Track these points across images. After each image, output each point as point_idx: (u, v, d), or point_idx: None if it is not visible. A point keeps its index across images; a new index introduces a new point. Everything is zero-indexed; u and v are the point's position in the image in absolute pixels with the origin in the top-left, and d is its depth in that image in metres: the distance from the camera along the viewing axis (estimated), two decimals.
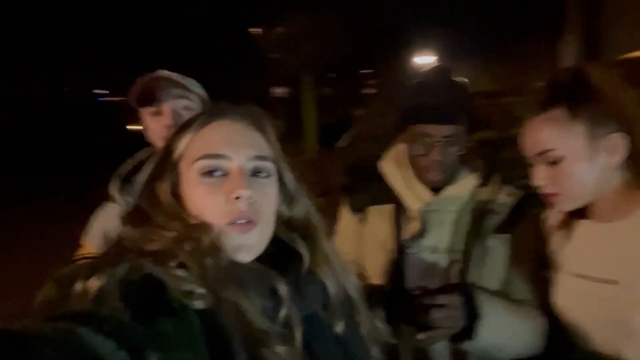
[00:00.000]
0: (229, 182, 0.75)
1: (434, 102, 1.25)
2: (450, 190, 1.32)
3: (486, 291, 1.14)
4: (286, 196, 0.85)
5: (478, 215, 1.29)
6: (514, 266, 1.26)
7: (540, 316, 1.20)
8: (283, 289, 0.75)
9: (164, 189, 0.78)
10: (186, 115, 1.36)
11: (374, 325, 0.89)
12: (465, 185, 1.33)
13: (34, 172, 11.48)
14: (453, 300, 1.01)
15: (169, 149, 0.81)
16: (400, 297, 1.10)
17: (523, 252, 1.26)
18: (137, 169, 1.43)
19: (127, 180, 1.42)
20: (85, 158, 11.88)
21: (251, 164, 0.78)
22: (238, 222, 0.74)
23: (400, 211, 1.35)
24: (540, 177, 1.09)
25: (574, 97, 1.05)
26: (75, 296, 0.62)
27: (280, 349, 0.68)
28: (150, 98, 1.38)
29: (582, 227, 1.17)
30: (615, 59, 9.71)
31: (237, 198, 0.73)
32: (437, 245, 1.30)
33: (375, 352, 0.86)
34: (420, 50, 17.15)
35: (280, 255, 0.81)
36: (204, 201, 0.75)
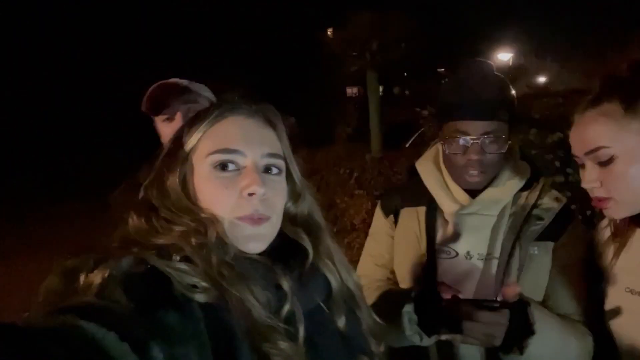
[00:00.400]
0: (242, 178, 0.75)
1: (470, 97, 1.17)
2: (489, 193, 1.22)
3: (539, 305, 1.08)
4: (293, 192, 0.86)
5: (519, 220, 1.19)
6: (559, 277, 1.16)
7: (589, 334, 1.10)
8: (287, 284, 0.75)
9: (173, 182, 0.78)
10: None
11: (374, 320, 0.89)
12: (507, 188, 1.23)
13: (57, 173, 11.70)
14: (496, 316, 0.96)
15: (179, 141, 0.82)
16: (431, 302, 1.06)
17: (570, 262, 1.16)
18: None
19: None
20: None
21: (264, 161, 0.78)
22: (250, 217, 0.75)
23: (434, 214, 1.29)
24: (591, 179, 1.00)
25: (631, 90, 0.96)
26: (79, 288, 0.63)
27: (283, 344, 0.69)
28: (161, 105, 1.41)
29: (637, 237, 1.06)
30: None
31: (251, 195, 0.74)
32: (471, 250, 1.22)
33: (374, 347, 0.86)
34: (499, 46, 16.42)
35: (284, 250, 0.82)
36: (216, 195, 0.75)
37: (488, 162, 1.19)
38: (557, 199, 1.22)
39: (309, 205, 0.88)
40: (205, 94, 1.49)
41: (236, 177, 0.76)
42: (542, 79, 16.77)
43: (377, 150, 8.62)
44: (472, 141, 1.17)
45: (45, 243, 5.92)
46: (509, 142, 1.20)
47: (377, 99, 9.02)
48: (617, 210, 1.01)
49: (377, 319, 0.90)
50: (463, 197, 1.25)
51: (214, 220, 0.73)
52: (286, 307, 0.74)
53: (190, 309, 0.64)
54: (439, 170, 1.31)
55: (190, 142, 0.80)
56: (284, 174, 0.83)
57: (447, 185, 1.28)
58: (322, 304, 0.82)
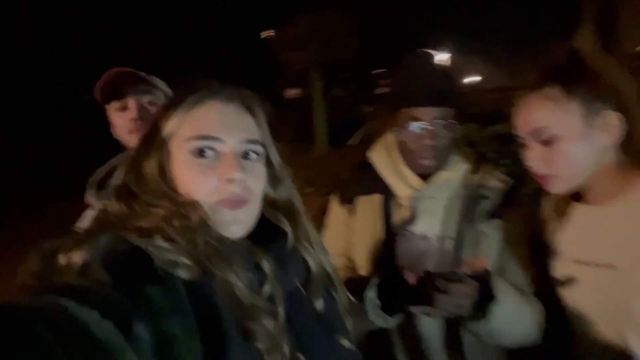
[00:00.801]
0: (221, 165, 0.76)
1: (422, 85, 1.23)
2: (440, 176, 1.29)
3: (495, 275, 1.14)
4: (272, 177, 0.86)
5: (469, 201, 1.26)
6: (507, 252, 1.23)
7: (539, 304, 1.18)
8: (267, 265, 0.77)
9: (150, 167, 0.78)
10: (151, 110, 1.39)
11: (349, 300, 0.91)
12: (456, 171, 1.30)
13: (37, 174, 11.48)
14: (465, 288, 1.01)
15: (156, 126, 0.80)
16: (394, 283, 1.10)
17: (517, 237, 1.24)
18: (110, 174, 1.41)
19: (102, 185, 1.41)
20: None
21: (243, 147, 0.79)
22: (229, 199, 0.76)
23: (389, 200, 1.33)
24: (534, 157, 1.07)
25: (569, 75, 1.03)
26: (60, 269, 0.62)
27: (268, 322, 0.70)
28: (115, 93, 1.39)
29: (577, 211, 1.14)
30: (628, 52, 9.62)
31: (230, 180, 0.75)
32: (428, 232, 1.27)
33: (351, 326, 0.88)
34: (434, 47, 17.04)
35: (263, 234, 0.83)
36: (195, 181, 0.76)
37: (440, 146, 1.24)
38: (502, 180, 1.30)
39: (288, 190, 0.88)
40: (161, 87, 1.47)
41: (215, 164, 0.76)
42: (476, 78, 17.63)
43: (322, 149, 8.70)
44: (425, 127, 1.21)
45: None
46: (459, 126, 1.26)
47: (320, 99, 9.11)
48: (557, 186, 1.08)
49: (352, 299, 0.92)
50: (416, 181, 1.30)
51: (195, 204, 0.74)
52: (266, 288, 0.75)
53: (172, 283, 0.64)
54: (391, 158, 1.36)
55: (167, 127, 0.79)
56: (262, 159, 0.83)
57: (400, 172, 1.32)
58: (300, 287, 0.83)
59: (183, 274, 0.66)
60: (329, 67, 9.10)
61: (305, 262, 0.86)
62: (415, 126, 1.23)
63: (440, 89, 1.23)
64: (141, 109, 1.39)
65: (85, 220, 1.42)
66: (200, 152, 0.76)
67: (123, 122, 1.39)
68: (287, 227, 0.85)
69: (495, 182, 1.29)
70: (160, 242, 0.67)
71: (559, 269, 1.15)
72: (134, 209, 0.74)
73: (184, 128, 0.78)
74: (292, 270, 0.83)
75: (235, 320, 0.68)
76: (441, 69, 1.28)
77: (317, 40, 8.58)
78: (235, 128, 0.79)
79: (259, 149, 0.82)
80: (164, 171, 0.78)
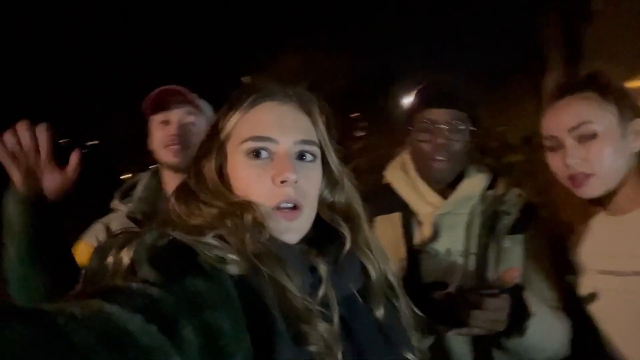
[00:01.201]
0: (275, 165, 0.75)
1: (436, 89, 1.31)
2: (460, 191, 1.31)
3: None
4: (330, 180, 0.85)
5: (490, 216, 1.28)
6: (532, 267, 1.24)
7: (566, 318, 1.18)
8: (323, 267, 0.74)
9: (209, 168, 0.78)
10: (192, 131, 1.43)
11: (412, 312, 0.87)
12: (475, 185, 1.32)
13: None
14: (500, 302, 1.00)
15: (216, 127, 0.81)
16: (424, 300, 1.08)
17: (539, 251, 1.25)
18: (134, 186, 1.55)
19: (126, 195, 1.52)
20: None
21: (297, 148, 0.78)
22: (284, 205, 0.74)
23: (408, 218, 1.33)
24: (575, 155, 1.07)
25: (602, 83, 1.10)
26: (110, 268, 0.62)
27: (322, 326, 0.67)
28: (161, 106, 1.44)
29: (599, 222, 1.16)
30: None
31: (283, 182, 0.74)
32: (450, 248, 1.28)
33: (415, 340, 0.84)
34: (410, 92, 17.53)
35: (320, 236, 0.81)
36: (250, 183, 0.75)
37: (453, 150, 1.27)
38: (519, 195, 1.32)
39: (347, 193, 0.86)
40: (207, 111, 1.53)
41: (268, 165, 0.76)
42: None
43: None
44: (438, 126, 1.26)
45: None
46: (473, 129, 1.30)
47: None
48: (596, 187, 1.08)
49: (417, 311, 0.88)
50: (435, 198, 1.31)
51: (249, 204, 0.73)
52: (321, 291, 0.72)
53: (219, 278, 0.63)
54: (408, 176, 1.37)
55: (226, 129, 0.80)
56: (318, 161, 0.81)
57: (418, 189, 1.34)
58: (356, 293, 0.80)
59: (230, 269, 0.65)
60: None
61: (363, 268, 0.83)
62: (428, 127, 1.27)
63: (452, 93, 1.30)
64: (182, 127, 1.43)
65: (104, 218, 1.49)
66: (255, 153, 0.76)
67: (162, 136, 1.44)
68: (345, 230, 0.82)
69: (514, 197, 1.31)
70: (207, 239, 0.66)
71: (585, 282, 1.16)
72: (192, 208, 0.74)
73: (240, 129, 0.78)
74: (348, 275, 0.80)
75: (287, 322, 0.65)
76: (458, 79, 1.35)
77: (304, 81, 8.74)
78: (290, 128, 0.78)
79: (315, 150, 0.80)
80: (221, 172, 0.79)
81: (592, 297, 1.14)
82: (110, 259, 0.63)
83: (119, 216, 1.45)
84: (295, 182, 0.74)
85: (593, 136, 1.06)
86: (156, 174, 1.55)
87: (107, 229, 1.42)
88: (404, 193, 1.35)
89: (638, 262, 1.06)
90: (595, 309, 1.14)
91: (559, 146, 1.11)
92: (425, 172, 1.32)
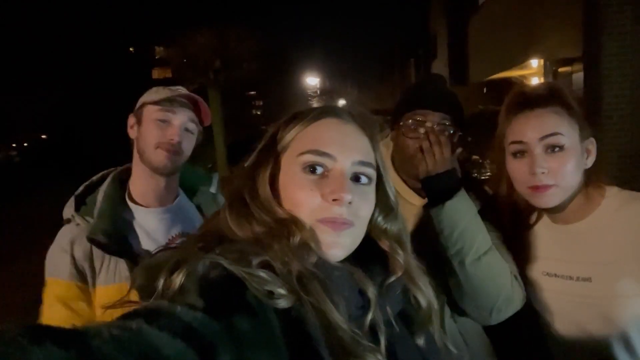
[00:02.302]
0: (329, 182, 0.73)
1: (429, 92, 1.34)
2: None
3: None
4: (385, 206, 0.83)
5: None
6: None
7: (518, 280, 1.24)
8: (372, 290, 0.73)
9: (263, 178, 0.77)
10: (191, 139, 1.39)
11: (445, 335, 0.89)
12: None
13: None
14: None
15: (274, 138, 0.80)
16: None
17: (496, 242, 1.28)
18: (91, 190, 1.41)
19: (82, 201, 1.38)
20: None
21: (354, 168, 0.76)
22: (331, 216, 0.73)
23: None
24: (542, 165, 1.11)
25: (565, 100, 1.15)
26: (160, 289, 0.63)
27: (370, 357, 0.66)
28: (170, 105, 1.36)
29: (544, 228, 1.26)
30: (479, 81, 11.22)
31: (335, 200, 0.72)
32: None
33: None
34: (305, 71, 17.79)
35: (365, 259, 0.81)
36: (300, 196, 0.74)
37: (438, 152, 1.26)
38: (478, 198, 1.35)
39: (399, 223, 0.85)
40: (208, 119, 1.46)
41: (323, 181, 0.74)
42: (343, 102, 18.73)
43: (223, 169, 8.49)
44: (428, 129, 1.27)
45: None
46: (459, 134, 1.31)
47: (220, 118, 8.73)
48: (555, 197, 1.13)
49: (446, 338, 0.89)
50: (415, 198, 1.32)
51: (297, 223, 0.72)
52: (369, 315, 0.72)
53: (265, 315, 0.62)
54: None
55: (284, 140, 0.79)
56: (373, 184, 0.80)
57: (398, 190, 1.30)
58: (397, 317, 0.80)
59: (278, 304, 0.63)
60: (228, 86, 8.85)
61: (404, 293, 0.83)
62: (417, 128, 1.28)
63: (444, 95, 1.34)
64: (184, 133, 1.37)
65: (63, 238, 1.33)
66: (311, 168, 0.74)
67: (159, 136, 1.35)
68: (400, 257, 0.81)
69: (474, 199, 1.34)
70: (257, 270, 0.65)
71: (531, 282, 1.25)
72: (241, 220, 0.74)
73: (299, 142, 0.77)
74: (393, 300, 0.80)
75: (333, 355, 0.64)
76: (447, 87, 1.41)
77: (219, 59, 8.35)
78: (350, 148, 0.77)
79: (371, 172, 0.79)
80: (275, 184, 0.77)
81: (537, 296, 1.24)
82: (160, 281, 0.63)
83: (79, 235, 1.29)
84: (350, 203, 0.73)
85: (561, 148, 1.11)
86: (117, 180, 1.41)
87: (72, 257, 1.26)
88: None
89: (583, 269, 1.14)
90: (539, 307, 1.24)
91: (525, 153, 1.16)
92: (408, 172, 1.32)
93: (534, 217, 1.27)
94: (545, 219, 1.25)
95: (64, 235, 1.32)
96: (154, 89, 1.40)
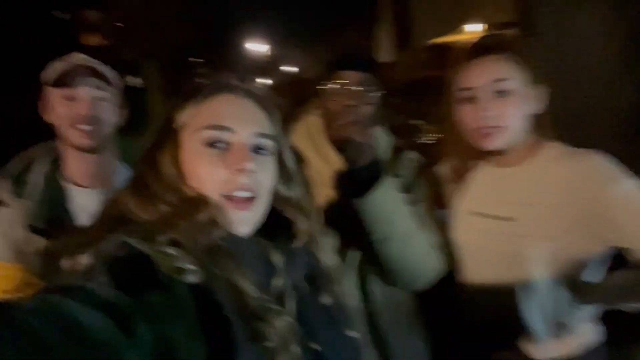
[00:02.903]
0: (232, 155, 0.77)
1: (350, 51, 1.42)
2: None
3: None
4: (285, 175, 0.88)
5: None
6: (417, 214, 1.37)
7: (442, 250, 1.35)
8: (278, 258, 0.79)
9: (164, 158, 0.78)
10: (103, 107, 1.30)
11: (350, 295, 0.95)
12: (381, 150, 1.38)
13: None
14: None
15: (170, 117, 0.81)
16: None
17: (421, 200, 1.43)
18: (28, 166, 1.35)
19: (19, 180, 1.32)
20: None
21: (254, 140, 0.80)
22: (238, 194, 0.76)
23: None
24: (489, 109, 1.19)
25: (511, 50, 1.23)
26: (63, 272, 0.63)
27: (279, 322, 0.71)
28: (68, 81, 1.30)
29: (482, 172, 1.35)
30: (423, 45, 11.37)
31: (240, 171, 0.76)
32: None
33: (354, 317, 0.93)
34: (252, 37, 17.31)
35: (272, 226, 0.85)
36: (204, 171, 0.76)
37: (362, 112, 1.34)
38: (411, 159, 1.48)
39: (300, 188, 0.90)
40: (115, 81, 1.40)
41: (225, 154, 0.77)
42: (294, 68, 18.45)
43: None
44: (348, 88, 1.33)
45: None
46: (379, 93, 1.38)
47: (160, 89, 8.43)
48: (501, 140, 1.22)
49: (352, 294, 1.02)
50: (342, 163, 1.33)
51: (202, 201, 0.74)
52: (278, 282, 0.77)
53: (175, 289, 0.65)
54: (314, 142, 1.41)
55: (181, 119, 0.80)
56: (274, 156, 0.85)
57: (326, 156, 1.38)
58: (303, 279, 0.87)
59: (188, 279, 0.66)
60: (161, 55, 8.53)
61: (309, 256, 0.89)
62: (339, 88, 1.33)
63: (363, 56, 1.42)
64: (92, 104, 1.31)
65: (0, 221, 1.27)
66: (212, 143, 0.77)
67: (67, 113, 1.30)
68: (302, 224, 0.86)
69: (406, 159, 1.45)
70: (164, 247, 0.67)
71: (459, 221, 1.36)
72: (144, 202, 0.74)
73: (197, 118, 0.79)
74: (298, 265, 0.85)
75: (244, 322, 0.68)
76: (367, 49, 1.48)
77: (151, 25, 7.97)
78: (248, 121, 0.81)
79: (271, 144, 0.83)
80: (176, 162, 0.78)
81: (463, 233, 1.34)
82: (64, 264, 0.63)
83: (15, 219, 1.25)
84: (253, 172, 0.77)
85: (508, 93, 1.19)
86: (52, 156, 1.36)
87: (14, 243, 1.21)
88: (311, 160, 1.38)
89: (510, 209, 1.24)
90: (462, 244, 1.35)
91: (473, 98, 1.23)
92: (333, 134, 1.36)
93: (475, 162, 1.35)
94: (484, 163, 1.34)
95: (1, 219, 1.28)
96: (49, 65, 1.32)
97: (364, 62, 1.38)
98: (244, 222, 0.77)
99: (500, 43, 1.23)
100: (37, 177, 1.33)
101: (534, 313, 1.21)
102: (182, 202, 0.73)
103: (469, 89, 1.23)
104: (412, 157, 1.48)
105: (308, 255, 0.88)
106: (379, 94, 1.37)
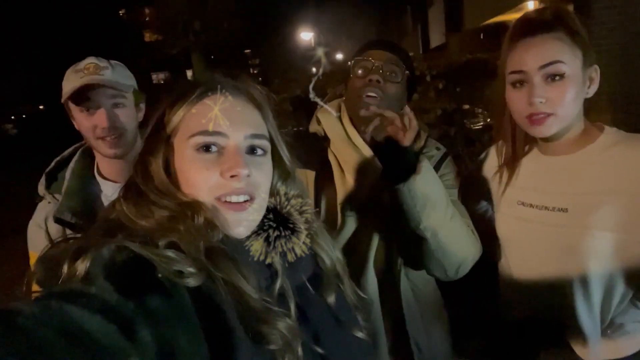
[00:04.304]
0: (225, 160, 0.74)
1: (375, 38, 1.42)
2: None
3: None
4: (282, 172, 0.86)
5: None
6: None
7: (475, 234, 1.25)
8: (277, 260, 0.77)
9: (157, 165, 0.76)
10: (122, 114, 1.33)
11: (356, 294, 0.92)
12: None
13: None
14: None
15: (161, 122, 0.78)
16: None
17: (451, 187, 1.31)
18: (63, 165, 1.40)
19: (53, 177, 1.38)
20: None
21: (247, 142, 0.77)
22: (233, 199, 0.74)
23: (321, 179, 1.32)
24: (541, 94, 1.08)
25: (571, 25, 1.10)
26: (63, 278, 0.62)
27: (281, 324, 0.69)
28: (84, 99, 1.30)
29: (531, 160, 1.25)
30: (476, 27, 10.94)
31: (234, 177, 0.73)
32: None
33: (361, 320, 0.89)
34: (300, 26, 17.35)
35: (270, 228, 0.81)
36: (198, 177, 0.74)
37: (386, 90, 1.27)
38: (437, 148, 1.40)
39: (299, 185, 0.88)
40: (129, 82, 1.39)
41: (218, 159, 0.74)
42: (340, 56, 18.35)
43: None
44: (375, 66, 1.29)
45: None
46: (406, 73, 1.32)
47: None
48: (552, 127, 1.11)
49: (360, 293, 0.92)
50: (368, 150, 1.31)
51: (198, 204, 0.72)
52: (277, 284, 0.75)
53: (176, 293, 0.63)
54: (342, 126, 1.35)
55: (172, 123, 0.77)
56: (269, 155, 0.81)
57: (351, 140, 1.33)
58: (307, 282, 0.83)
59: (188, 282, 0.64)
60: (208, 48, 8.68)
61: (313, 257, 0.86)
62: (365, 66, 1.29)
63: (389, 41, 1.40)
64: (110, 116, 1.32)
65: (39, 214, 1.34)
66: (204, 148, 0.74)
67: (89, 127, 1.32)
68: (301, 222, 0.83)
69: (432, 149, 1.37)
70: (164, 251, 0.65)
71: (503, 211, 1.27)
72: (141, 208, 0.72)
73: (188, 123, 0.76)
74: (300, 265, 0.82)
75: (246, 324, 0.66)
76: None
77: (199, 20, 8.11)
78: (240, 123, 0.77)
79: (265, 144, 0.80)
80: (169, 168, 0.76)
81: (507, 223, 1.25)
82: (63, 269, 0.62)
83: (50, 212, 1.30)
84: (248, 176, 0.74)
85: (561, 77, 1.07)
86: (86, 154, 1.40)
87: (47, 233, 1.26)
88: (334, 140, 1.35)
89: (562, 199, 1.14)
90: (507, 233, 1.26)
91: (525, 82, 1.12)
92: (356, 111, 1.30)
93: (527, 148, 1.25)
94: (534, 150, 1.23)
95: (39, 212, 1.34)
96: (66, 74, 1.35)
97: (391, 43, 1.37)
98: (242, 222, 0.75)
99: (550, 19, 1.11)
100: (69, 174, 1.37)
101: (586, 311, 1.13)
102: (178, 206, 0.72)
103: (519, 72, 1.12)
104: (437, 146, 1.42)
105: (310, 256, 0.85)
106: (405, 76, 1.33)
